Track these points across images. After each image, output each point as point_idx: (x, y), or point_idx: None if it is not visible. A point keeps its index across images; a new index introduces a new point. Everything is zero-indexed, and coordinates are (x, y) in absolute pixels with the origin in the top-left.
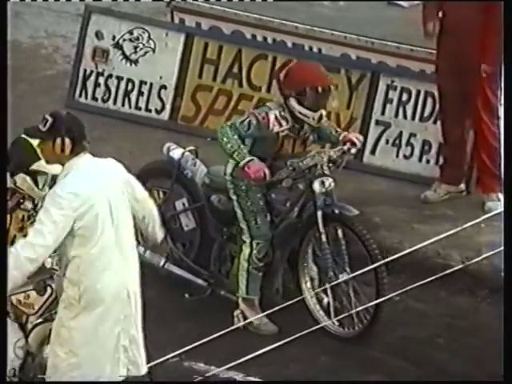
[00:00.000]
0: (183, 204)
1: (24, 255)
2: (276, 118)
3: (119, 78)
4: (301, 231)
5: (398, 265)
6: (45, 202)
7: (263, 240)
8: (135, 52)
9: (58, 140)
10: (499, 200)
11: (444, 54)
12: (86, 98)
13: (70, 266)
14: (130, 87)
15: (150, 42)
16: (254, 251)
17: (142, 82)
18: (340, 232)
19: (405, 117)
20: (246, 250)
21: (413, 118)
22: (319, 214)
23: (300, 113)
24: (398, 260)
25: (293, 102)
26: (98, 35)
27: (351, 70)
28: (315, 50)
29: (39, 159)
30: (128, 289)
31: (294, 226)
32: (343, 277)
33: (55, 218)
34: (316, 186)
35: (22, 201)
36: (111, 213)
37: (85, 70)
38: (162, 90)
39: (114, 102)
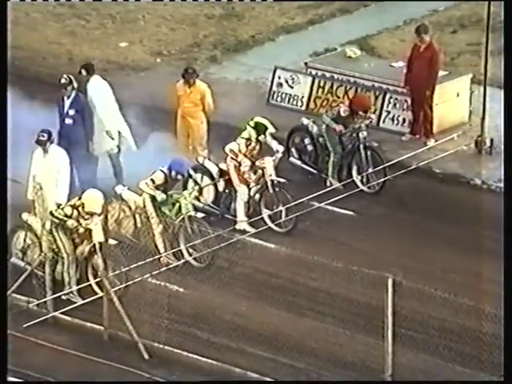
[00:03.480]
0: (307, 141)
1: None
2: (343, 110)
3: (286, 93)
4: (352, 152)
5: (392, 166)
6: None
7: (339, 155)
8: (293, 83)
9: None
10: (431, 141)
11: (410, 84)
12: (273, 100)
13: None
14: (290, 97)
15: (297, 79)
16: (335, 159)
17: (295, 95)
18: (369, 153)
19: (396, 109)
20: (332, 158)
21: (399, 109)
22: (361, 146)
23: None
24: (394, 164)
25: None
26: (279, 77)
27: (375, 91)
28: (363, 82)
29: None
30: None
31: (351, 150)
32: (369, 171)
33: None
34: (360, 135)
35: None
36: None
37: (274, 91)
38: (302, 98)
39: (285, 102)
